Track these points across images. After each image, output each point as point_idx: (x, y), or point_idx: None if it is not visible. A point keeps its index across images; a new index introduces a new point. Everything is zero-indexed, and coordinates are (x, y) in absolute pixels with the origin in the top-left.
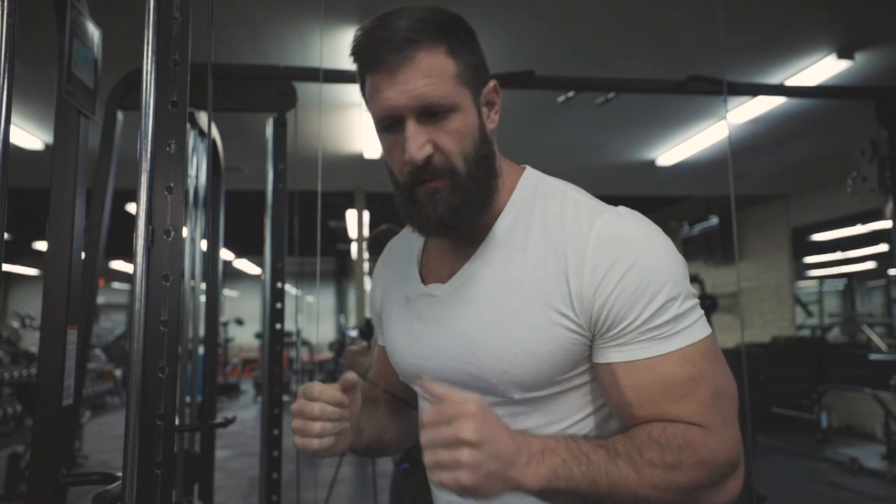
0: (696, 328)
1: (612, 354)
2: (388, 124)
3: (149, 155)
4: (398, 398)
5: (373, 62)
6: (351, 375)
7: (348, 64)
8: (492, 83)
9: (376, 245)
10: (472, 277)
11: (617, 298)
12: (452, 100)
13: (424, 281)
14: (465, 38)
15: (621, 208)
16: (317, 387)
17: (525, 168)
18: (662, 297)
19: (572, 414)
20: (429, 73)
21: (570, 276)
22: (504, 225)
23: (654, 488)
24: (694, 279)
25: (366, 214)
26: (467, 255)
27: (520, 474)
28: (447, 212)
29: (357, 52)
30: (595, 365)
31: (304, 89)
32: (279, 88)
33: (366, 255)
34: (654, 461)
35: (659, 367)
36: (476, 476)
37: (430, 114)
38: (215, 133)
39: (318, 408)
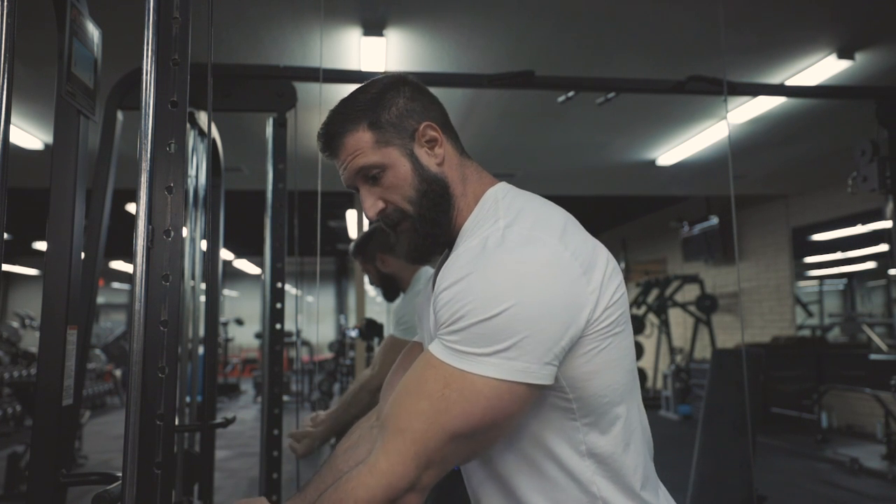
0: (475, 362)
1: None
2: (354, 190)
3: (149, 155)
4: None
5: (328, 155)
6: None
7: (348, 64)
8: (422, 126)
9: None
10: None
11: (439, 305)
12: (378, 161)
13: None
14: (390, 101)
15: (517, 251)
16: None
17: (491, 186)
18: (460, 312)
19: None
20: (354, 150)
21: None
22: (457, 247)
23: None
24: (694, 279)
25: None
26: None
27: None
28: (414, 247)
29: (321, 149)
30: None
31: (304, 89)
32: (279, 88)
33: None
34: None
35: (419, 359)
36: None
37: (370, 177)
38: (215, 133)
39: None
